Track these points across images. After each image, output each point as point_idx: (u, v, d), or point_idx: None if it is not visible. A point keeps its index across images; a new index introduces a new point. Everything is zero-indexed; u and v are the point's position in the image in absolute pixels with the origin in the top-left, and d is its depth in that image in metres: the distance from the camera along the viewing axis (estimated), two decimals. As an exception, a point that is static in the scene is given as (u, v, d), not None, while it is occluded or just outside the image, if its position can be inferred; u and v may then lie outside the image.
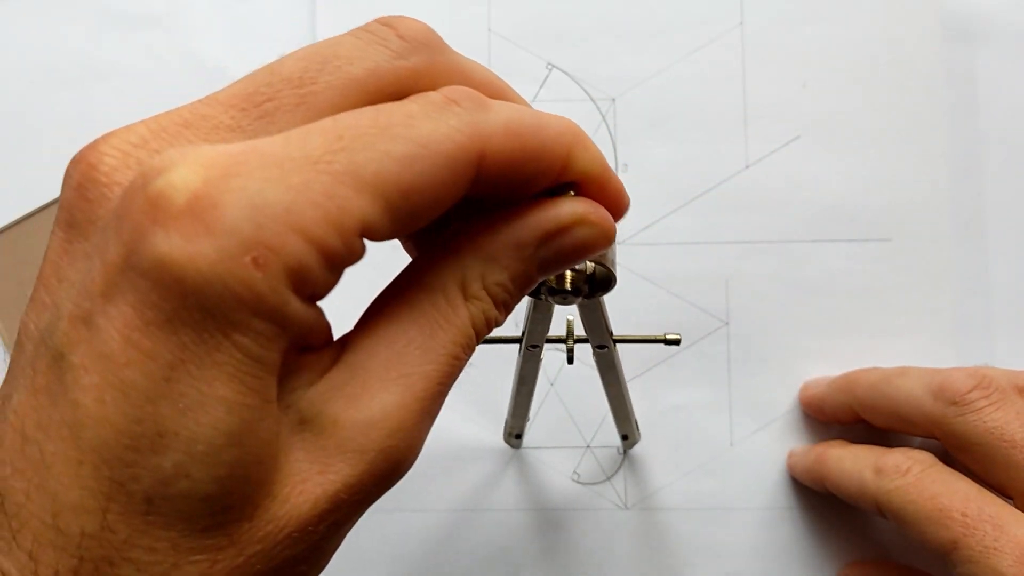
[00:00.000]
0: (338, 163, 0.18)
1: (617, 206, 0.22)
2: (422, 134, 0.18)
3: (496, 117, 0.20)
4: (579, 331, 0.30)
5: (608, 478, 0.39)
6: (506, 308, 0.21)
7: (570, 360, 0.31)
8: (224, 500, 0.18)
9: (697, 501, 0.39)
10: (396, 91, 0.20)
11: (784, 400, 0.39)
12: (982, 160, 0.40)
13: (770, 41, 0.41)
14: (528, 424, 0.39)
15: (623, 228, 0.40)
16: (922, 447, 0.34)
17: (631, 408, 0.35)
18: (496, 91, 0.22)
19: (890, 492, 0.32)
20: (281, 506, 0.18)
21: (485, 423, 0.40)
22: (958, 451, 0.32)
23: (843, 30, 0.41)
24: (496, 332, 0.30)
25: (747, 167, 0.40)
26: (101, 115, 0.42)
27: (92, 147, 0.19)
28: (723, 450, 0.39)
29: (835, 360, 0.39)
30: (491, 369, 0.36)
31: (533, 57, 0.41)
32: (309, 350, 0.19)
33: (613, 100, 0.41)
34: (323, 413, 0.19)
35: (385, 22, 0.21)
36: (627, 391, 0.34)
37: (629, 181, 0.41)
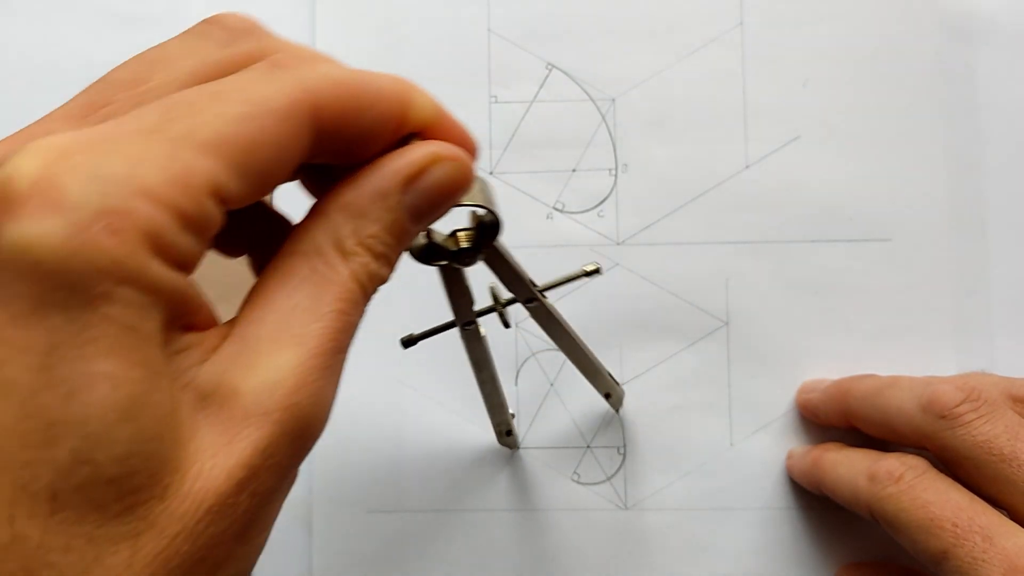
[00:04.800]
0: (174, 130, 0.18)
1: (465, 146, 0.23)
2: (253, 93, 0.19)
3: (324, 70, 0.20)
4: (506, 295, 0.31)
5: (608, 478, 0.39)
6: (387, 260, 0.22)
7: (506, 324, 0.32)
8: (130, 481, 0.17)
9: (697, 501, 0.39)
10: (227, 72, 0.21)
11: (784, 400, 0.39)
12: (982, 160, 0.40)
13: (770, 41, 0.41)
14: (529, 424, 0.39)
15: (623, 228, 0.40)
16: (917, 452, 0.34)
17: (597, 361, 0.35)
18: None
19: (882, 499, 0.32)
20: (193, 482, 0.18)
21: (485, 423, 0.40)
22: (949, 464, 0.32)
23: (843, 30, 0.41)
24: (428, 324, 0.31)
25: (747, 167, 0.40)
26: (101, 115, 0.42)
27: None
28: (723, 450, 0.39)
29: (835, 360, 0.39)
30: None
31: (533, 57, 0.41)
32: (193, 328, 0.19)
33: (613, 100, 0.41)
34: (222, 385, 0.19)
35: (207, 20, 0.22)
36: (583, 343, 0.34)
37: (629, 181, 0.41)
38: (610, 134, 0.41)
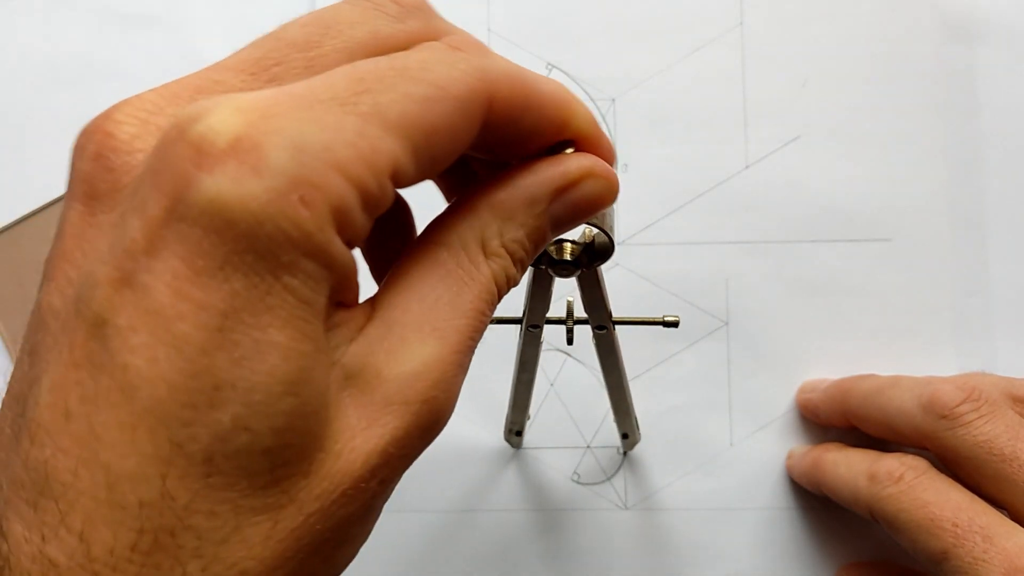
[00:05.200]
0: (364, 104, 0.18)
1: (610, 162, 0.23)
2: (439, 76, 0.19)
3: (500, 64, 0.20)
4: (579, 313, 0.30)
5: (608, 478, 0.39)
6: (522, 266, 0.22)
7: (570, 340, 0.31)
8: (284, 454, 0.17)
9: (697, 501, 0.39)
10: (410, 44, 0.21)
11: (784, 400, 0.39)
12: (981, 160, 0.40)
13: (770, 41, 0.41)
14: (528, 423, 0.39)
15: (623, 228, 0.40)
16: (917, 452, 0.34)
17: (631, 401, 0.35)
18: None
19: (883, 499, 0.32)
20: (335, 462, 0.18)
21: (485, 423, 0.40)
22: (949, 464, 0.32)
23: (843, 30, 0.41)
24: (497, 313, 0.31)
25: (747, 167, 0.40)
26: (101, 115, 0.42)
27: (106, 116, 0.19)
28: (723, 450, 0.39)
29: (834, 360, 0.39)
30: (491, 369, 0.36)
31: (533, 57, 0.41)
32: (343, 306, 0.19)
33: (613, 100, 0.41)
34: (367, 367, 0.19)
35: None
36: (627, 381, 0.34)
37: (629, 181, 0.41)
38: (610, 134, 0.41)
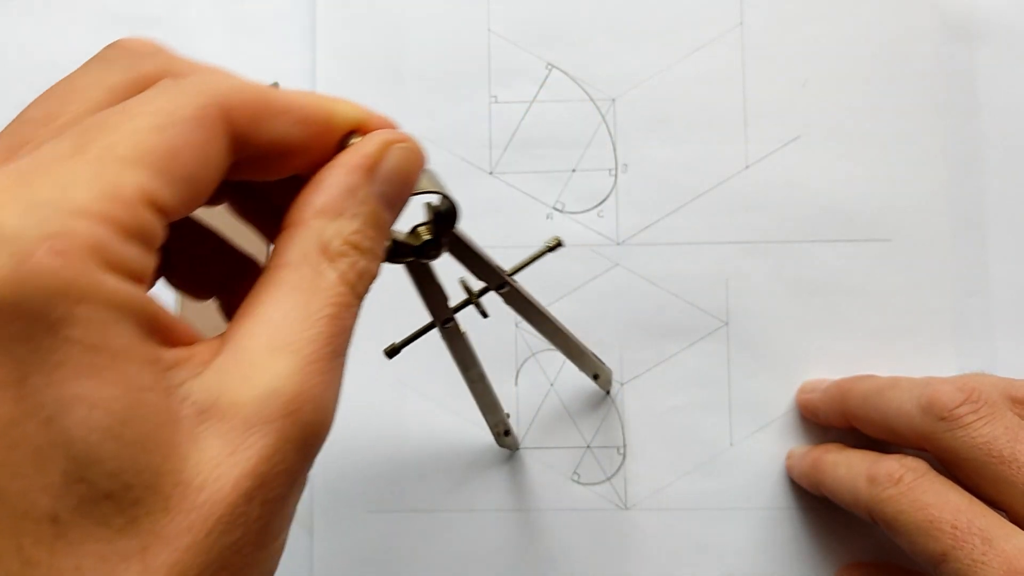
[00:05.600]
0: (92, 149, 0.18)
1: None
2: (163, 104, 0.19)
3: (231, 82, 0.21)
4: (477, 285, 0.31)
5: (608, 478, 0.39)
6: (373, 255, 0.22)
7: (484, 314, 0.32)
8: (128, 494, 0.17)
9: (697, 501, 0.39)
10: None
11: (784, 400, 0.39)
12: (982, 160, 0.40)
13: (770, 41, 0.41)
14: (529, 424, 0.39)
15: (623, 228, 0.40)
16: (916, 453, 0.34)
17: (579, 342, 0.35)
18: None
19: (882, 501, 0.32)
20: (199, 494, 0.18)
21: (485, 423, 0.40)
22: (949, 465, 0.32)
23: (843, 30, 0.41)
24: (408, 330, 0.31)
25: (747, 167, 0.40)
26: (101, 115, 0.42)
27: None
28: (723, 450, 0.39)
29: (834, 360, 0.39)
30: (491, 370, 0.36)
31: (533, 57, 0.41)
32: (178, 344, 0.19)
33: (613, 100, 0.41)
34: (221, 397, 0.19)
35: (110, 46, 0.22)
36: (563, 325, 0.34)
37: (629, 181, 0.41)
38: (610, 134, 0.41)
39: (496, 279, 0.31)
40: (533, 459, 0.40)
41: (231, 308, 0.25)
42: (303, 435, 0.20)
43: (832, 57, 0.41)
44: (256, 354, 0.20)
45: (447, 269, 0.29)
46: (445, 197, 0.26)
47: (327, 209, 0.21)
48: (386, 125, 0.23)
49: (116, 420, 0.17)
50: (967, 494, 0.31)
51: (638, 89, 0.41)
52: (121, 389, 0.17)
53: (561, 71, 0.41)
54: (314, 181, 0.22)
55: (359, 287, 0.22)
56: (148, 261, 0.19)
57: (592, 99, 0.41)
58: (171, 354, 0.19)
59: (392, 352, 0.32)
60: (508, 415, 0.39)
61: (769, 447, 0.39)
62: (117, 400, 0.17)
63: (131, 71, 0.21)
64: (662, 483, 0.39)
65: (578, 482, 0.39)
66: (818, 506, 0.39)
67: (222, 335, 0.20)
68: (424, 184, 0.24)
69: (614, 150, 0.41)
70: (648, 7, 0.41)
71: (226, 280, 0.26)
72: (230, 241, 0.26)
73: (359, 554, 0.39)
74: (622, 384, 0.40)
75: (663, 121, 0.41)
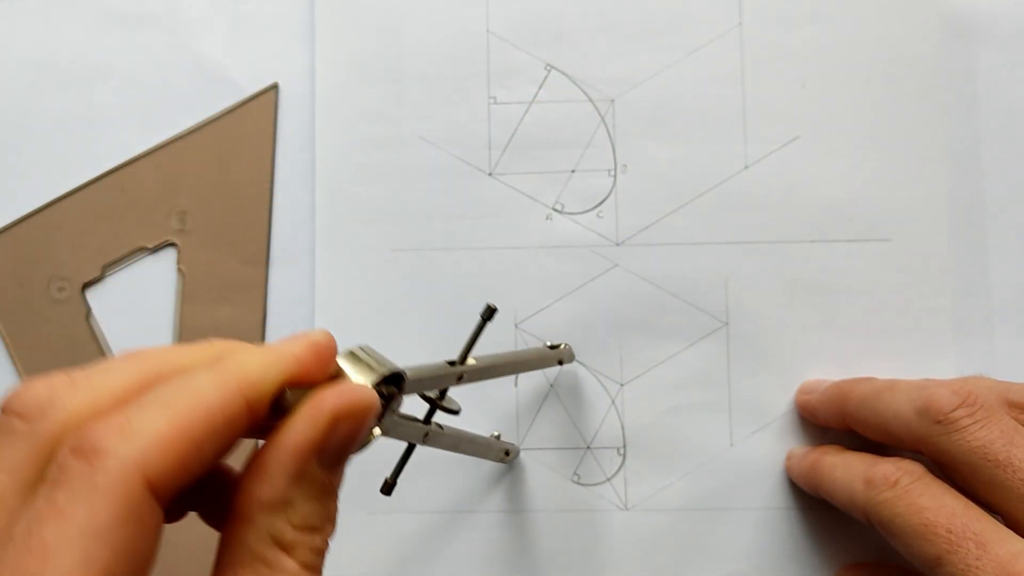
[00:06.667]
0: None
1: (326, 359, 0.22)
2: (80, 520, 0.18)
3: (135, 449, 0.19)
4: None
5: (608, 479, 0.39)
6: (328, 517, 0.21)
7: (455, 412, 0.32)
8: None
9: (697, 501, 0.39)
10: (41, 468, 0.20)
11: (783, 400, 0.39)
12: (981, 160, 0.40)
13: (770, 41, 0.41)
14: (529, 424, 0.39)
15: (622, 229, 0.40)
16: (914, 456, 0.34)
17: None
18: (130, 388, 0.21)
19: (878, 504, 0.32)
20: None
21: (486, 425, 0.40)
22: (945, 468, 0.32)
23: (842, 30, 0.41)
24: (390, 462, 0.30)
25: (747, 167, 0.40)
26: (101, 115, 0.42)
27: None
28: (723, 450, 0.39)
29: (834, 360, 0.39)
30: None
31: (532, 58, 0.41)
32: None
33: (612, 100, 0.41)
34: None
35: (5, 407, 0.20)
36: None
37: (628, 181, 0.41)
38: (609, 135, 0.41)
39: (450, 379, 0.31)
40: (533, 460, 0.40)
41: (211, 519, 0.24)
42: None
43: (832, 57, 0.41)
44: None
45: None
46: (388, 366, 0.24)
47: (274, 502, 0.20)
48: (319, 365, 0.21)
49: None
50: (963, 498, 0.31)
51: (637, 89, 0.41)
52: None
53: (560, 72, 0.41)
54: (256, 465, 0.21)
55: (320, 559, 0.21)
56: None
57: (591, 100, 0.41)
58: None
59: (388, 488, 0.33)
60: (499, 435, 0.39)
61: (769, 447, 0.39)
62: None
63: (30, 439, 0.19)
64: (662, 483, 0.39)
65: (578, 483, 0.39)
66: (817, 506, 0.39)
67: None
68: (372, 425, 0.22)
69: (613, 151, 0.41)
70: (647, 8, 0.41)
71: (201, 497, 0.24)
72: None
73: (359, 554, 0.39)
74: (622, 384, 0.40)
75: (662, 121, 0.41)
